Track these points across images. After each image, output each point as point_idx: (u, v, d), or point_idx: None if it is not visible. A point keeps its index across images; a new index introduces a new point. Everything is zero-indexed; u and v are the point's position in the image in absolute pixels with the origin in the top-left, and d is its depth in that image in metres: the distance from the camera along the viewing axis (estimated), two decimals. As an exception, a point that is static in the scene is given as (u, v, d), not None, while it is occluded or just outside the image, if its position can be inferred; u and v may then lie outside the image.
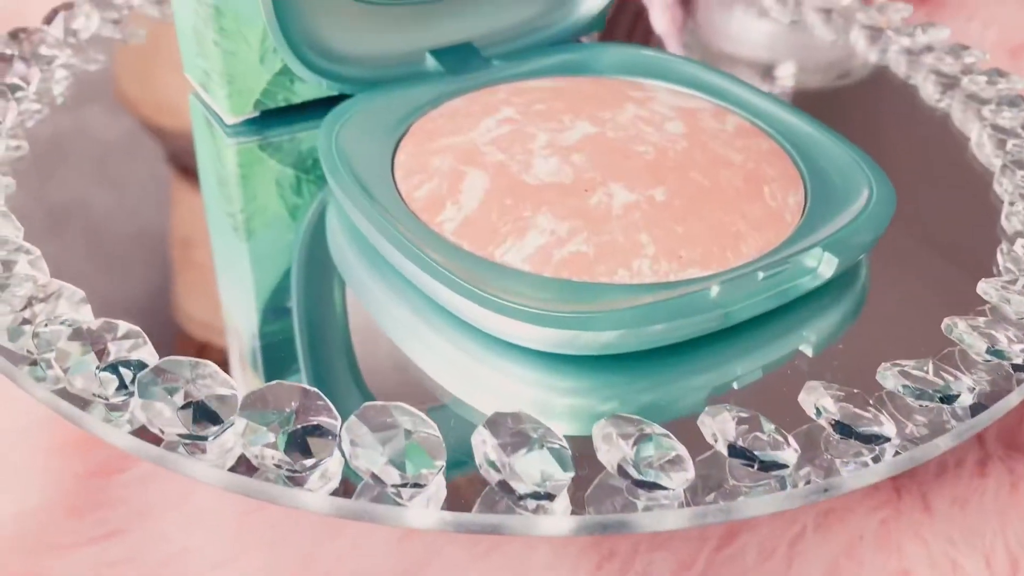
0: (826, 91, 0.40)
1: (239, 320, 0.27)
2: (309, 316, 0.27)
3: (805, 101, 0.39)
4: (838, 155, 0.28)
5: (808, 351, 0.24)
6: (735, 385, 0.23)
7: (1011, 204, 0.29)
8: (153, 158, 0.33)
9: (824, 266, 0.25)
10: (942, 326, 0.24)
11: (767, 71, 0.43)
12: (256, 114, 0.32)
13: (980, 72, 0.36)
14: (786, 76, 0.42)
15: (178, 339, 0.26)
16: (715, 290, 0.23)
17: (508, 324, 0.22)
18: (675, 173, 0.26)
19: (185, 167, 0.33)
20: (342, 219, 0.28)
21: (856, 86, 0.40)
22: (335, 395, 0.21)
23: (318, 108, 0.32)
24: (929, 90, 0.37)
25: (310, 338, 0.27)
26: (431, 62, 0.33)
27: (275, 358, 0.26)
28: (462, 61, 0.33)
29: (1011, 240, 0.27)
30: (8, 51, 0.32)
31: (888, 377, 0.22)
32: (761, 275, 0.24)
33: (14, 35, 0.34)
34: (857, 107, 0.38)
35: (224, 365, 0.24)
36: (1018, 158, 0.31)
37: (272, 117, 0.32)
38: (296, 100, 0.32)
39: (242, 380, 0.25)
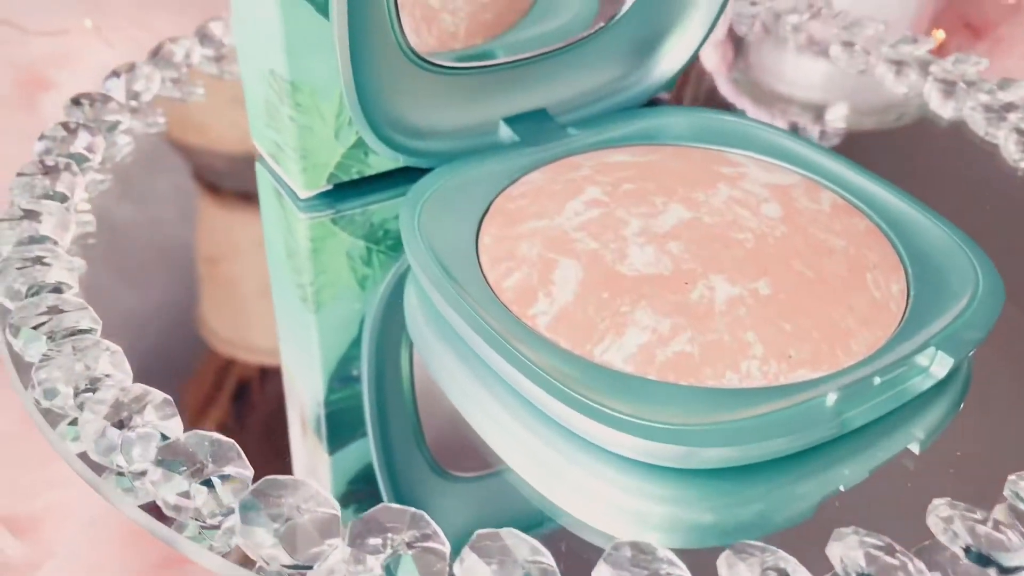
0: (899, 149, 0.38)
1: (305, 388, 0.26)
2: (378, 387, 0.26)
3: (872, 155, 0.37)
4: (936, 235, 0.27)
5: (916, 449, 0.23)
6: (842, 487, 0.22)
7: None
8: (218, 227, 0.32)
9: (937, 366, 0.23)
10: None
11: (821, 113, 0.42)
12: (329, 187, 0.31)
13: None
14: (841, 119, 0.41)
15: (245, 411, 0.25)
16: (831, 398, 0.22)
17: (613, 435, 0.21)
18: (777, 263, 0.25)
19: (252, 235, 0.32)
20: (421, 297, 0.28)
21: (931, 143, 0.38)
22: (404, 470, 0.20)
23: (390, 179, 0.32)
24: (1011, 150, 0.36)
25: (378, 409, 0.27)
26: (506, 131, 0.32)
27: (340, 425, 0.25)
28: (537, 129, 0.32)
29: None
30: (73, 120, 0.32)
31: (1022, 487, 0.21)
32: (878, 380, 0.22)
33: (77, 102, 0.33)
34: (936, 168, 0.37)
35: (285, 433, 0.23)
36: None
37: (344, 188, 0.31)
38: (369, 172, 0.31)
39: (303, 447, 0.24)
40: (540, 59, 0.32)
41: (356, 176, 0.31)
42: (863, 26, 0.42)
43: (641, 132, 0.32)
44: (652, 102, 0.35)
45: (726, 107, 0.40)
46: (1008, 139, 0.36)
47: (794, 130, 0.38)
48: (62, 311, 0.24)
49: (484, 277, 0.26)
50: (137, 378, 0.23)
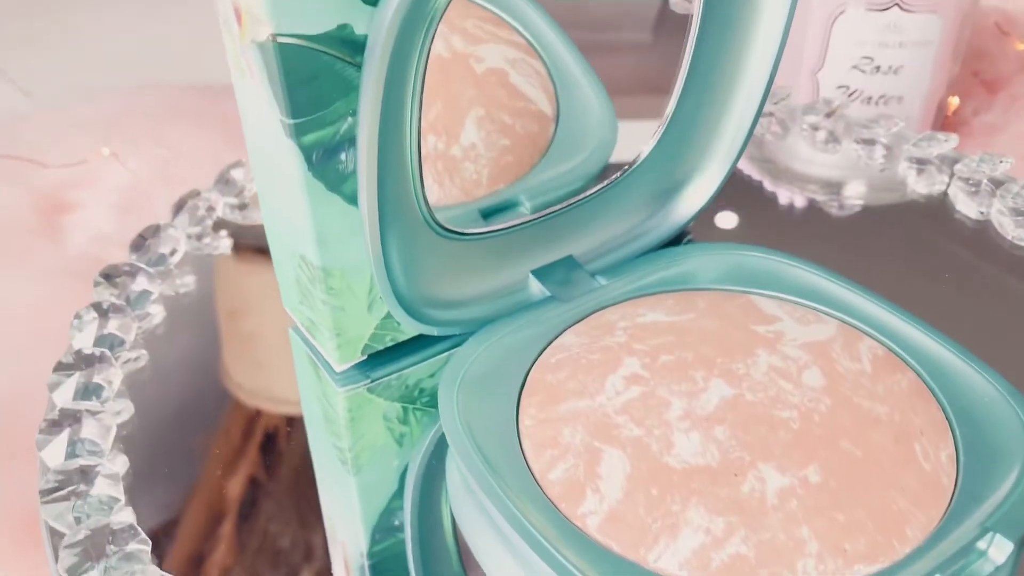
0: (925, 261, 0.38)
1: (347, 542, 0.27)
2: (422, 539, 0.27)
3: (896, 272, 0.37)
4: (980, 387, 0.27)
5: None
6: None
7: None
8: (254, 396, 0.33)
9: (996, 550, 0.23)
10: None
11: (837, 191, 0.41)
12: (364, 358, 0.31)
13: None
14: (858, 197, 0.41)
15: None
16: (892, 601, 0.22)
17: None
18: (825, 444, 0.25)
19: (291, 410, 0.32)
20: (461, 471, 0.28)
21: (955, 244, 0.38)
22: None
23: (423, 339, 0.32)
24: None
25: (423, 561, 0.27)
26: (536, 286, 0.32)
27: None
28: (566, 280, 0.32)
29: None
30: (106, 300, 0.32)
31: None
32: (937, 577, 0.22)
33: (108, 277, 0.33)
34: (963, 276, 0.37)
35: None
36: None
37: (379, 354, 0.31)
38: (403, 339, 0.31)
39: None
40: (564, 211, 0.32)
41: (390, 343, 0.31)
42: (881, 125, 0.42)
43: (672, 278, 0.32)
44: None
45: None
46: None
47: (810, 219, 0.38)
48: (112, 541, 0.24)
49: (528, 466, 0.26)
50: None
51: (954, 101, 0.54)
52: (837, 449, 0.25)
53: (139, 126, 0.53)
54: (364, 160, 0.26)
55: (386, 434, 0.30)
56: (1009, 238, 0.37)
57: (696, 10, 0.30)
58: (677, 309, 0.30)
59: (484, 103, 0.35)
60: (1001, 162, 0.38)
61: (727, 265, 0.32)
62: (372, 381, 0.31)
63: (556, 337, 0.30)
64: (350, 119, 0.26)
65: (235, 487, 0.29)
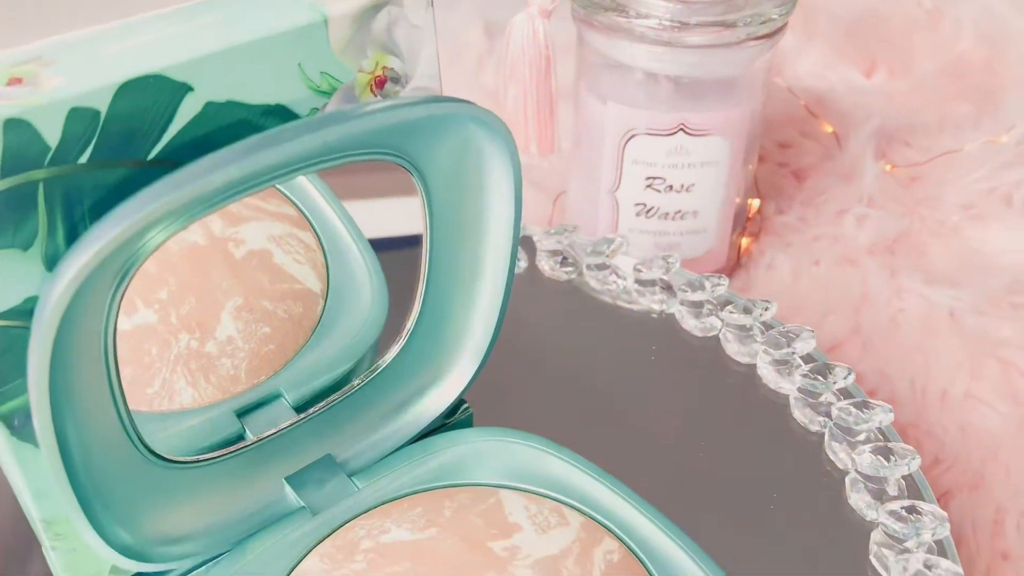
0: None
1: None
2: None
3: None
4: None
5: None
6: None
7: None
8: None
9: None
10: None
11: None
12: (108, 588, 0.30)
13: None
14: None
15: None
16: None
17: None
18: None
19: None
20: None
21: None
22: None
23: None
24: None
25: None
26: (291, 494, 0.31)
27: None
28: (322, 484, 0.31)
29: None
30: None
31: None
32: None
33: None
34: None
35: None
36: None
37: (126, 580, 0.31)
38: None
39: None
40: (312, 416, 0.32)
41: (133, 573, 0.30)
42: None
43: (426, 476, 0.32)
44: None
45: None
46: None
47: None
48: None
49: None
50: None
51: (754, 203, 0.56)
52: None
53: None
54: (38, 424, 0.24)
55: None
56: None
57: (424, 222, 0.30)
58: (422, 523, 0.30)
59: (243, 291, 0.35)
60: (766, 309, 0.40)
61: (481, 456, 0.32)
62: (123, 607, 0.30)
63: (302, 559, 0.30)
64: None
65: None
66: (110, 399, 0.27)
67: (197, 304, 0.34)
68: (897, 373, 0.46)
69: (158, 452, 0.29)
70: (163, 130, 0.25)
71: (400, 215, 0.33)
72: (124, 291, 0.25)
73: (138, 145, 0.25)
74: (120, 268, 0.24)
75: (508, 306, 0.32)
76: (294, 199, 0.38)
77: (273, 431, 0.31)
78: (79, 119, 0.23)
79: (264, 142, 0.22)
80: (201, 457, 0.30)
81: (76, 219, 0.24)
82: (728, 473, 0.36)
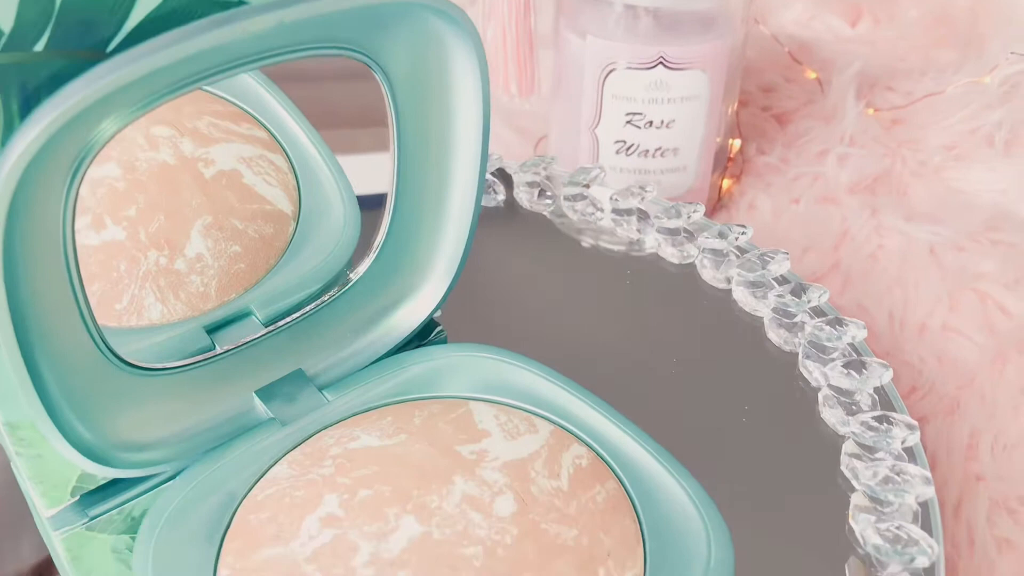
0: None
1: None
2: None
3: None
4: (676, 496, 0.28)
5: None
6: None
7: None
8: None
9: None
10: None
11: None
12: (75, 499, 0.30)
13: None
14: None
15: None
16: None
17: None
18: (504, 582, 0.25)
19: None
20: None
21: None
22: None
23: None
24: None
25: None
26: (260, 407, 0.31)
27: None
28: (292, 399, 0.31)
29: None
30: None
31: None
32: None
33: None
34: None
35: None
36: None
37: (94, 492, 0.30)
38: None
39: None
40: (290, 325, 0.32)
41: (103, 481, 0.30)
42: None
43: (395, 389, 0.32)
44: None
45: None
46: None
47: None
48: None
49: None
50: None
51: (735, 144, 0.56)
52: (516, 586, 0.25)
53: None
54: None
55: (118, 567, 0.30)
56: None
57: (391, 129, 0.30)
58: (391, 430, 0.30)
59: (212, 210, 0.35)
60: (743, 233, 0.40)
61: (451, 370, 0.32)
62: (90, 519, 0.30)
63: (271, 467, 0.29)
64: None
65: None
66: (73, 301, 0.27)
67: (166, 221, 0.34)
68: (876, 306, 0.46)
69: (125, 359, 0.29)
70: (122, 20, 0.25)
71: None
72: (79, 183, 0.25)
73: (96, 35, 0.24)
74: (74, 158, 0.24)
75: (486, 237, 0.32)
76: (265, 123, 0.38)
77: (242, 342, 0.31)
78: (34, 4, 0.23)
79: (218, 20, 0.22)
80: (169, 364, 0.30)
81: (32, 108, 0.24)
82: (701, 393, 0.35)
